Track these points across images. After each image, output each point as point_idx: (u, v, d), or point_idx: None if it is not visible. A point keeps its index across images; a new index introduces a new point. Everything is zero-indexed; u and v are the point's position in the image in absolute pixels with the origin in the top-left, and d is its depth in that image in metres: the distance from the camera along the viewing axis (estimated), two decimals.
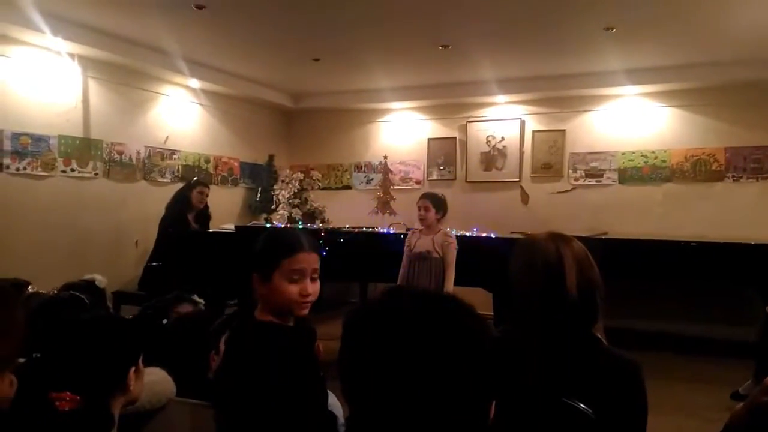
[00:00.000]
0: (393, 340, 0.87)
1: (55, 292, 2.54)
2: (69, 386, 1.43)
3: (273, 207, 7.76)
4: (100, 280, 2.54)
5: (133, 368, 1.56)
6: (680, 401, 4.33)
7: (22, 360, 1.65)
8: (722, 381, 4.66)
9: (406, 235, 5.07)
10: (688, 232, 6.04)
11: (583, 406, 1.43)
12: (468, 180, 7.79)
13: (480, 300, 4.21)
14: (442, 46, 5.82)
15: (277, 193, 7.76)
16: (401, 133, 8.23)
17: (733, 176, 6.55)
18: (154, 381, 1.78)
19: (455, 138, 7.89)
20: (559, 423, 1.45)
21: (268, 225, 6.83)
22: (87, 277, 2.56)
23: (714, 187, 6.63)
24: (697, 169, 6.71)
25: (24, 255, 5.12)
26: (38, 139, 5.44)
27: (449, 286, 4.39)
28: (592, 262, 1.66)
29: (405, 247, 4.67)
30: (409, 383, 0.85)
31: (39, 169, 5.46)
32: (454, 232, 5.13)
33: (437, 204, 4.57)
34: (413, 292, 0.96)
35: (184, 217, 5.94)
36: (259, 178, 8.11)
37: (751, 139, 6.44)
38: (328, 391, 1.92)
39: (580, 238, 1.73)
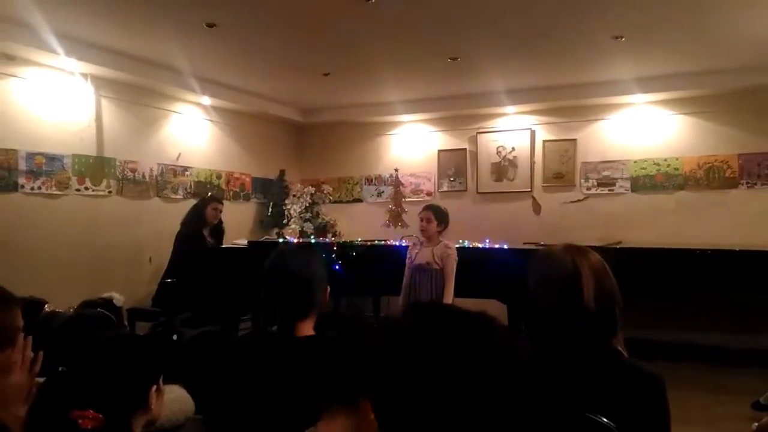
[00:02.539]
0: (429, 360, 0.85)
1: (72, 310, 2.56)
2: (91, 405, 1.43)
3: (285, 221, 7.78)
4: (118, 298, 2.55)
5: (154, 387, 1.56)
6: (700, 412, 4.27)
7: (41, 379, 1.67)
8: (742, 391, 4.60)
9: None
10: (703, 240, 5.99)
11: (605, 420, 1.42)
12: (479, 191, 7.78)
13: (493, 312, 4.19)
14: (451, 59, 5.84)
15: (288, 207, 7.79)
16: (411, 145, 8.24)
17: (747, 183, 6.50)
18: (173, 399, 1.77)
19: (465, 149, 7.89)
20: None
21: (280, 240, 6.85)
22: (105, 295, 2.57)
23: (728, 194, 6.58)
24: (711, 177, 6.66)
25: (39, 273, 5.15)
26: (52, 159, 5.50)
27: (449, 297, 4.40)
28: (610, 274, 1.65)
29: (407, 259, 4.71)
30: (446, 404, 0.83)
31: (53, 188, 5.51)
32: (467, 243, 5.13)
33: (439, 216, 4.60)
34: (446, 312, 0.95)
35: (199, 232, 5.99)
36: (271, 192, 8.14)
37: (764, 145, 6.39)
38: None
39: (593, 248, 1.73)
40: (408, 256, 4.72)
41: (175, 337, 2.25)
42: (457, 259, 4.52)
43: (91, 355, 1.54)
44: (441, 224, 4.59)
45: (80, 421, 1.38)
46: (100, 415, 1.39)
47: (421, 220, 4.63)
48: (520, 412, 0.87)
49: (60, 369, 1.60)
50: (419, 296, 4.47)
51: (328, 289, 2.03)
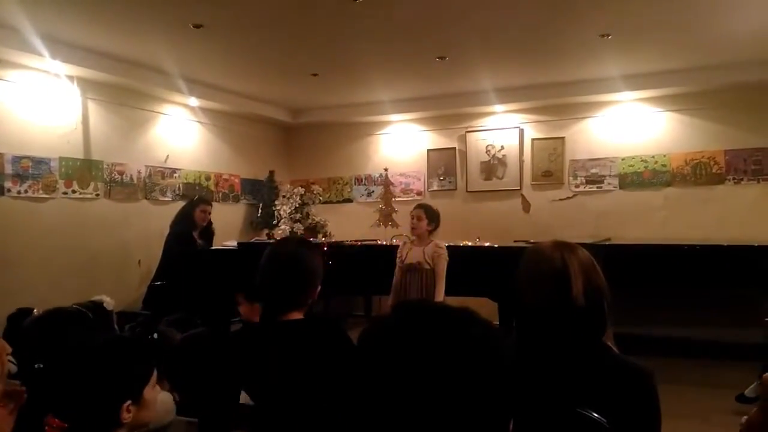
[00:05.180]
0: (411, 358, 0.86)
1: None
2: (60, 410, 1.43)
3: (275, 222, 7.76)
4: (108, 301, 2.53)
5: (127, 402, 1.53)
6: (687, 405, 4.29)
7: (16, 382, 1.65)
8: (727, 384, 4.64)
9: None
10: (691, 236, 6.03)
11: (596, 415, 1.42)
12: (469, 190, 7.79)
13: (484, 310, 4.19)
14: (439, 58, 5.84)
15: (278, 208, 7.76)
16: (401, 144, 8.25)
17: (734, 178, 6.55)
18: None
19: (455, 148, 7.90)
20: None
21: (270, 241, 6.82)
22: (95, 298, 2.55)
23: (715, 189, 6.63)
24: (698, 173, 6.71)
25: (27, 278, 5.11)
26: (39, 162, 5.45)
27: (440, 297, 4.39)
28: (599, 270, 1.66)
29: (397, 258, 4.70)
30: (429, 402, 0.84)
31: (40, 191, 5.46)
32: (460, 242, 5.13)
33: (430, 215, 4.59)
34: (429, 308, 0.95)
35: (189, 234, 5.95)
36: (260, 194, 8.12)
37: (750, 140, 6.44)
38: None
39: (583, 245, 1.73)
40: (398, 255, 4.71)
41: (155, 335, 2.23)
42: (447, 258, 4.51)
43: (64, 362, 1.52)
44: (432, 223, 4.59)
45: (47, 427, 1.39)
46: (65, 425, 1.40)
47: (412, 218, 4.62)
48: (496, 407, 0.87)
49: (36, 366, 1.59)
50: (409, 296, 4.46)
51: (319, 287, 2.03)
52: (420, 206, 4.72)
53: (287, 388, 1.73)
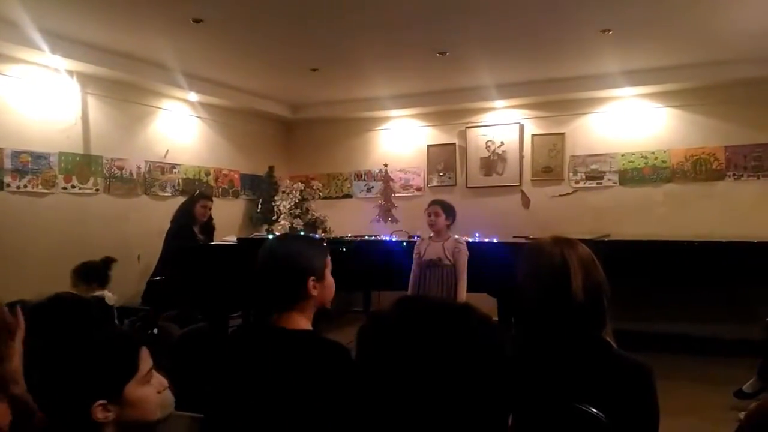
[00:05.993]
0: (410, 353, 0.86)
1: None
2: (40, 403, 1.46)
3: (274, 218, 7.76)
4: (110, 296, 2.54)
5: (100, 402, 1.44)
6: (686, 401, 4.30)
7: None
8: (726, 380, 4.64)
9: (408, 242, 5.06)
10: (690, 232, 6.03)
11: (595, 410, 1.43)
12: (468, 185, 7.79)
13: (484, 306, 4.19)
14: (439, 53, 5.84)
15: (278, 203, 7.75)
16: (401, 140, 8.24)
17: (734, 175, 6.55)
18: None
19: (455, 144, 7.90)
20: (572, 428, 1.45)
21: (270, 236, 6.83)
22: (97, 293, 2.55)
23: (715, 186, 6.63)
24: (698, 169, 6.71)
25: (27, 273, 5.11)
26: (38, 157, 5.45)
27: (462, 294, 4.37)
28: (598, 266, 1.66)
29: (414, 255, 4.65)
30: (427, 397, 0.84)
31: (40, 186, 5.46)
32: (456, 237, 5.13)
33: (447, 210, 4.57)
34: (428, 303, 0.95)
35: (189, 229, 5.95)
36: (260, 189, 8.12)
37: (751, 136, 6.44)
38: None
39: (582, 241, 1.74)
40: (416, 251, 4.65)
41: (155, 330, 2.23)
42: (468, 253, 4.49)
43: (38, 353, 1.52)
44: (449, 218, 4.56)
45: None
46: (44, 417, 1.42)
47: (429, 215, 4.58)
48: (495, 403, 0.87)
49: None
50: (430, 292, 4.43)
51: (313, 282, 1.80)
52: (435, 202, 4.68)
53: (268, 395, 1.66)
